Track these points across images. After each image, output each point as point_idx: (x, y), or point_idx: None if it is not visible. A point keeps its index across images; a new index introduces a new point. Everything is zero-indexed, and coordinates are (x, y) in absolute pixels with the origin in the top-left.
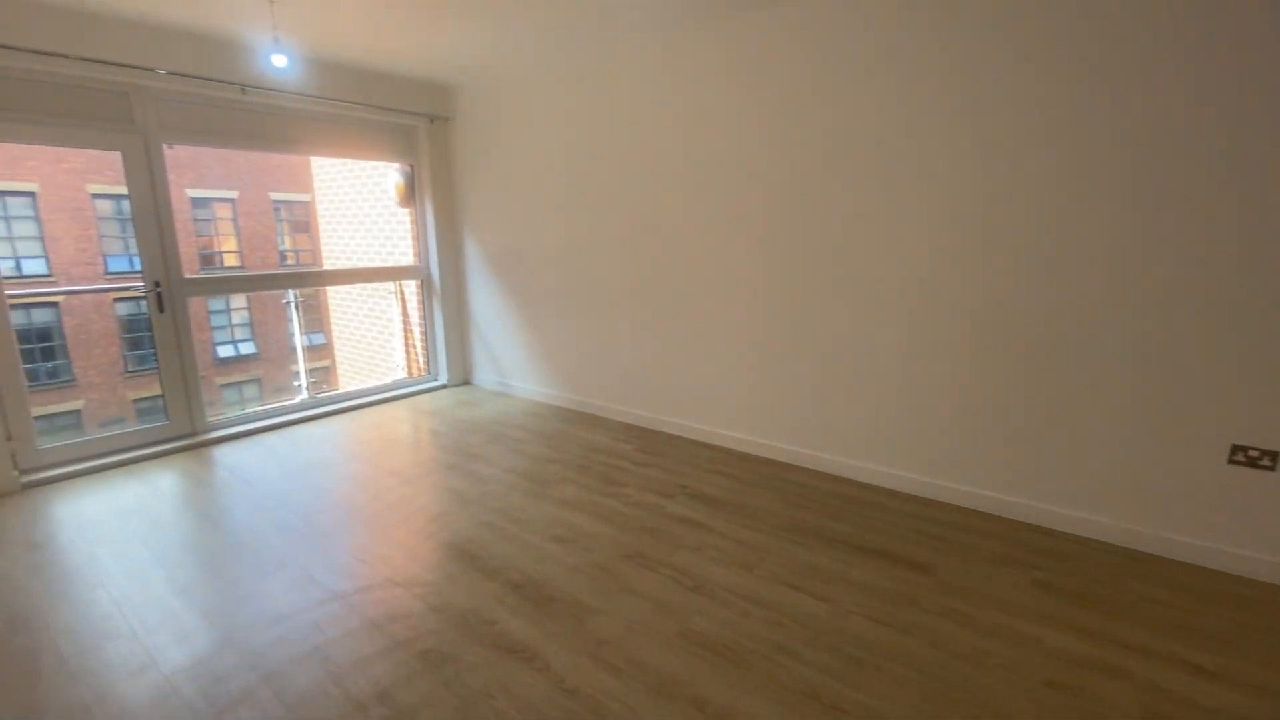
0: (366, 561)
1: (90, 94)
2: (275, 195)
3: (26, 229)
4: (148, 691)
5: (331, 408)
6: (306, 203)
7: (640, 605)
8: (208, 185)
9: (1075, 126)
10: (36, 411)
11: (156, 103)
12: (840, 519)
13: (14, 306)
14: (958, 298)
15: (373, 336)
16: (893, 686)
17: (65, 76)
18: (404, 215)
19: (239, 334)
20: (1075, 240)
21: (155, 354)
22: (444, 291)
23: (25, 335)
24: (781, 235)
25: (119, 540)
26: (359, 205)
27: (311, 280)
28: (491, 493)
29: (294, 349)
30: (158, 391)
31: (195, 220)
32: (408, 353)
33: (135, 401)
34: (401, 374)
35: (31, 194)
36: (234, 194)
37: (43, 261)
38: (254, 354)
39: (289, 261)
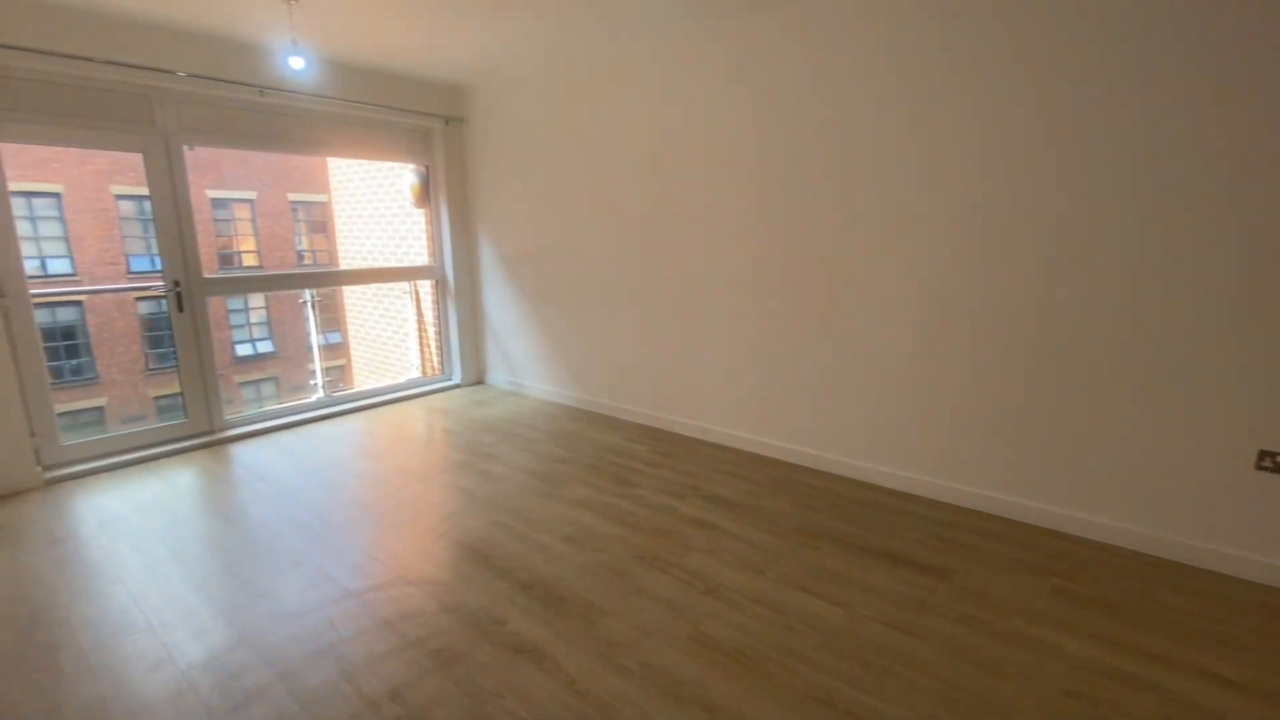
0: (380, 559)
1: (113, 97)
2: (293, 196)
3: (52, 229)
4: (164, 686)
5: (347, 406)
6: (323, 203)
7: (652, 607)
8: (227, 186)
9: (1079, 122)
10: (63, 408)
11: (177, 105)
12: (855, 522)
13: (40, 305)
14: (977, 298)
15: (388, 336)
16: (907, 693)
17: (89, 80)
18: (419, 216)
19: (257, 333)
20: (1095, 240)
21: (174, 352)
22: (458, 291)
23: (50, 333)
24: (794, 235)
25: (138, 536)
26: (375, 206)
27: (328, 280)
28: (504, 492)
29: (310, 348)
30: (177, 389)
31: (215, 220)
32: (422, 352)
33: (156, 399)
34: (416, 373)
35: (57, 195)
36: (253, 195)
37: (67, 261)
38: (271, 352)
39: (306, 261)
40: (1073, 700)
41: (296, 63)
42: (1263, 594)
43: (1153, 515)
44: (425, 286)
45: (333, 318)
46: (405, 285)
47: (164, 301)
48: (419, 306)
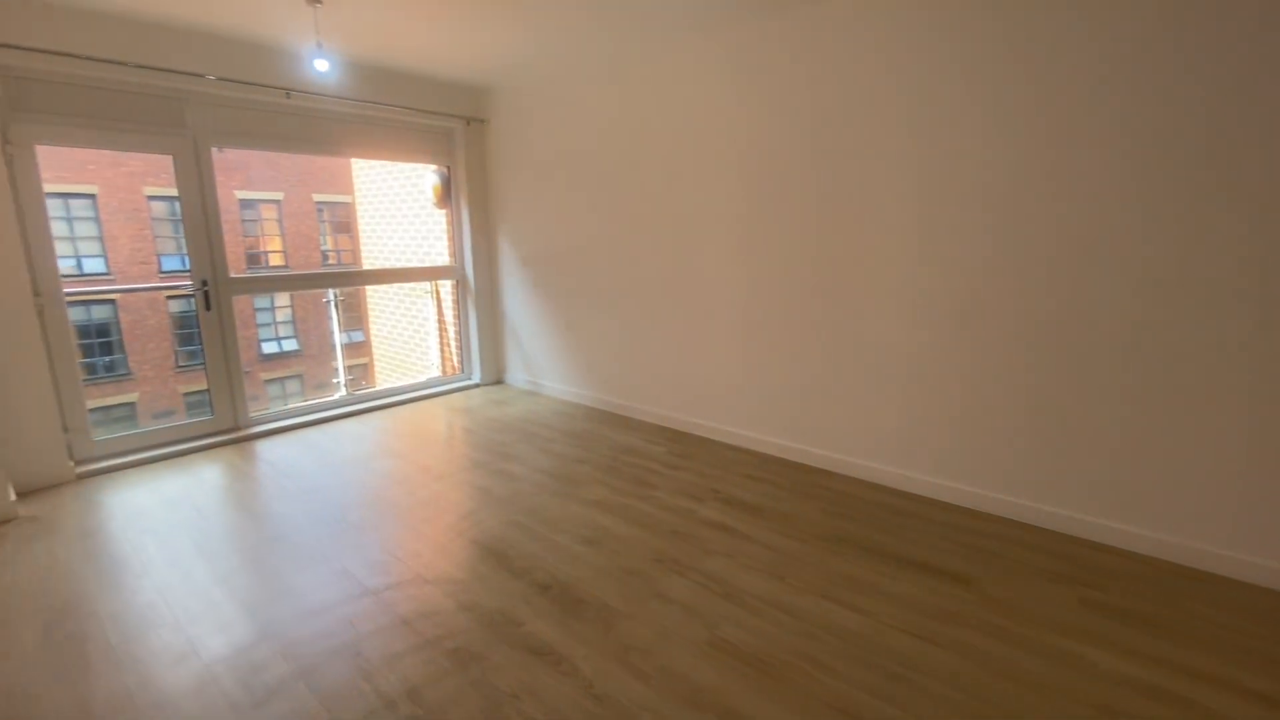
0: (399, 558)
1: (145, 100)
2: (318, 197)
3: (87, 229)
4: (188, 680)
5: (368, 404)
6: (348, 204)
7: (670, 611)
8: (255, 187)
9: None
10: (98, 403)
11: (206, 108)
12: (878, 528)
13: (74, 303)
14: (1007, 301)
15: (409, 335)
16: (932, 705)
17: (122, 83)
18: (440, 216)
19: (283, 331)
20: (1128, 238)
21: (202, 350)
22: (478, 291)
23: (86, 330)
24: (816, 236)
25: (165, 530)
26: (397, 206)
27: (351, 280)
28: (521, 492)
29: (334, 346)
30: (206, 386)
31: (243, 221)
32: (442, 351)
33: (185, 395)
34: (436, 372)
35: (92, 196)
36: (279, 196)
37: (101, 260)
38: (296, 350)
39: (330, 261)
40: (1105, 715)
41: (321, 65)
42: None
43: (1189, 525)
44: (446, 286)
45: (355, 316)
46: (426, 285)
47: (193, 300)
48: (440, 306)
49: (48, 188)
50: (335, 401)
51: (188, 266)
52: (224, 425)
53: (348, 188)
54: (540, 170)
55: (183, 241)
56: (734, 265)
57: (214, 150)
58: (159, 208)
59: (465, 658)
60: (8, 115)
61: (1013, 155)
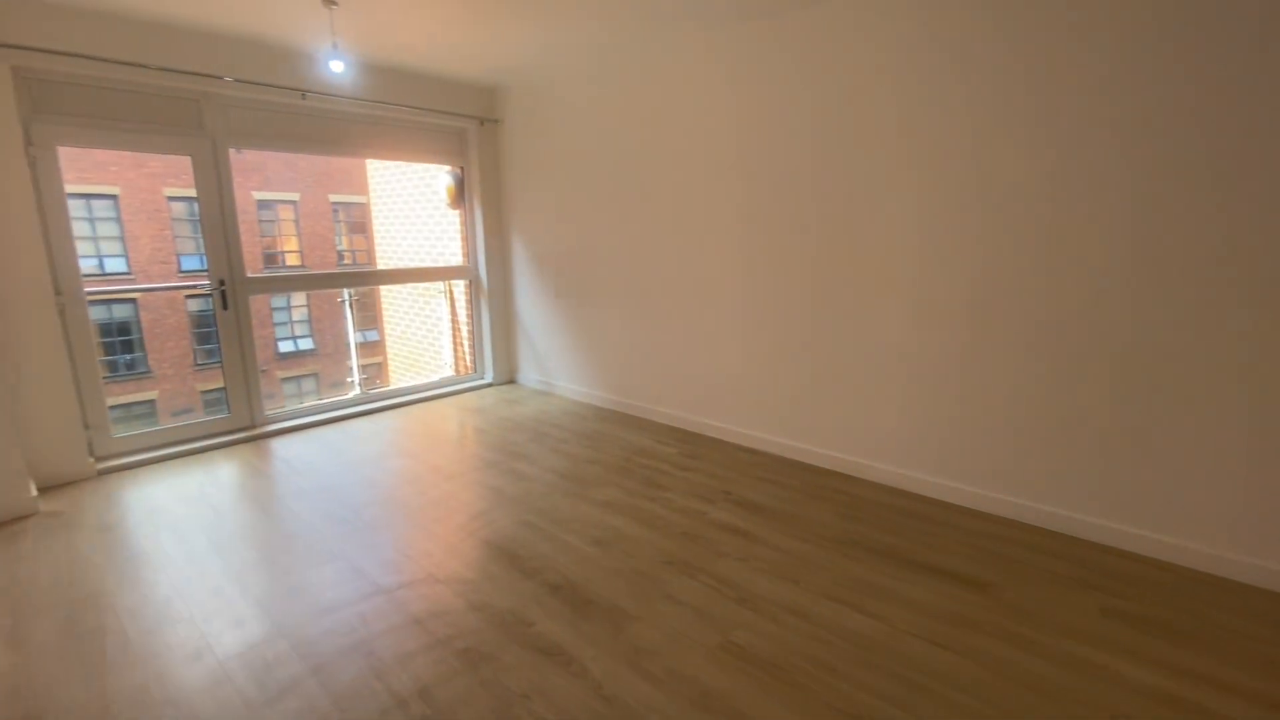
0: (411, 557)
1: (165, 101)
2: (334, 197)
3: (109, 229)
4: (203, 676)
5: (382, 403)
6: (363, 204)
7: (681, 614)
8: (272, 188)
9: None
10: (119, 400)
11: (224, 109)
12: (894, 532)
13: (96, 302)
14: (1028, 303)
15: (422, 335)
16: (948, 713)
17: (142, 85)
18: (454, 217)
19: (299, 330)
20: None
21: (219, 349)
22: (491, 291)
23: (107, 329)
24: (834, 237)
25: (181, 526)
26: (412, 207)
27: (366, 280)
28: (532, 492)
29: (349, 345)
30: (222, 384)
31: (260, 221)
32: (455, 351)
33: (203, 392)
34: (449, 372)
35: (114, 197)
36: (296, 196)
37: (123, 260)
38: (312, 349)
39: (345, 261)
40: None
41: (337, 66)
42: None
43: (1213, 532)
44: (459, 286)
45: (370, 316)
46: (440, 285)
47: (211, 299)
48: (453, 306)
49: (72, 189)
50: (350, 400)
51: (206, 266)
52: (240, 423)
53: (363, 188)
54: (552, 170)
55: (201, 241)
56: (742, 266)
57: (232, 151)
58: (179, 208)
59: (476, 657)
60: (31, 117)
61: (1013, 155)
